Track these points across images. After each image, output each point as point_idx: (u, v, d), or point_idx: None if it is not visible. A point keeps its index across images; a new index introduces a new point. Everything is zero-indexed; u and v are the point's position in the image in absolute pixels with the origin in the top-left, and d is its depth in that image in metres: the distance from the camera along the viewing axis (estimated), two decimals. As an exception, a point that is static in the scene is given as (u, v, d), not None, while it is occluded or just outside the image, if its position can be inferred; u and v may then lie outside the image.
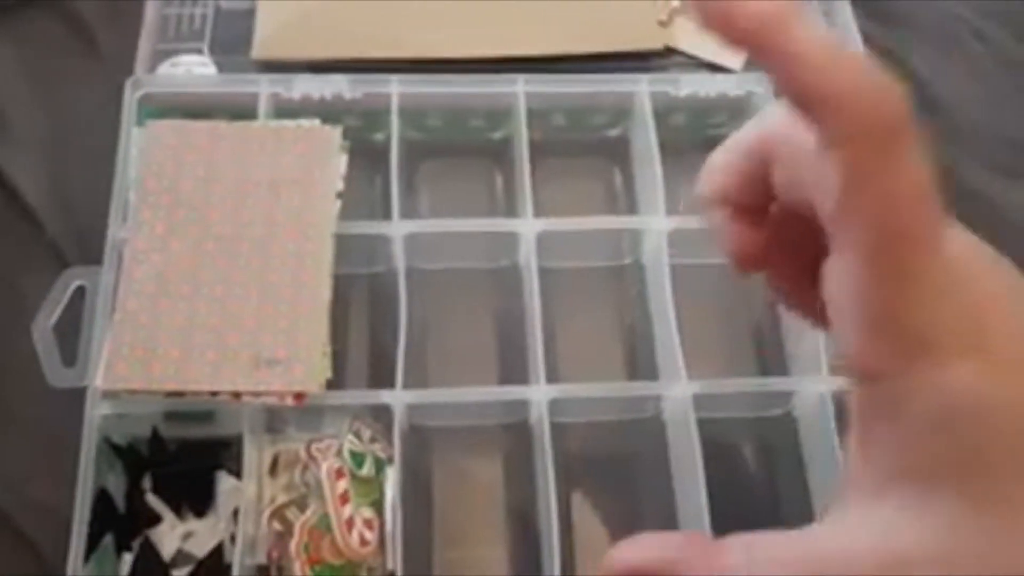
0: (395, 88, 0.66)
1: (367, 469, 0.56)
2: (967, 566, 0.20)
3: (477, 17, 0.73)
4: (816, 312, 0.25)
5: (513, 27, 0.73)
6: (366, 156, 0.67)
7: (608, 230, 0.67)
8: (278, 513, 0.56)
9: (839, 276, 0.21)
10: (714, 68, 0.74)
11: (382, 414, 0.58)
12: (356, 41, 0.72)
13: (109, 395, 0.56)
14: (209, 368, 0.56)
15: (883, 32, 0.76)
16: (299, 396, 0.56)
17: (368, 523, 0.55)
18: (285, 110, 0.66)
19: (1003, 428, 0.20)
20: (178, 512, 0.57)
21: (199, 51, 0.72)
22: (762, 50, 0.20)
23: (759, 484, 0.62)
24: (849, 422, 0.23)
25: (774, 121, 0.25)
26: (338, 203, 0.61)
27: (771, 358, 0.66)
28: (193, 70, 0.70)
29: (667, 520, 0.60)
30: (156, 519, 0.57)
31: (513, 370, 0.63)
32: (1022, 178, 0.72)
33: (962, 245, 0.22)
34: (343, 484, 0.55)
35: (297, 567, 0.54)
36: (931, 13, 0.76)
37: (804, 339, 0.62)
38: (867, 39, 0.74)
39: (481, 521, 0.60)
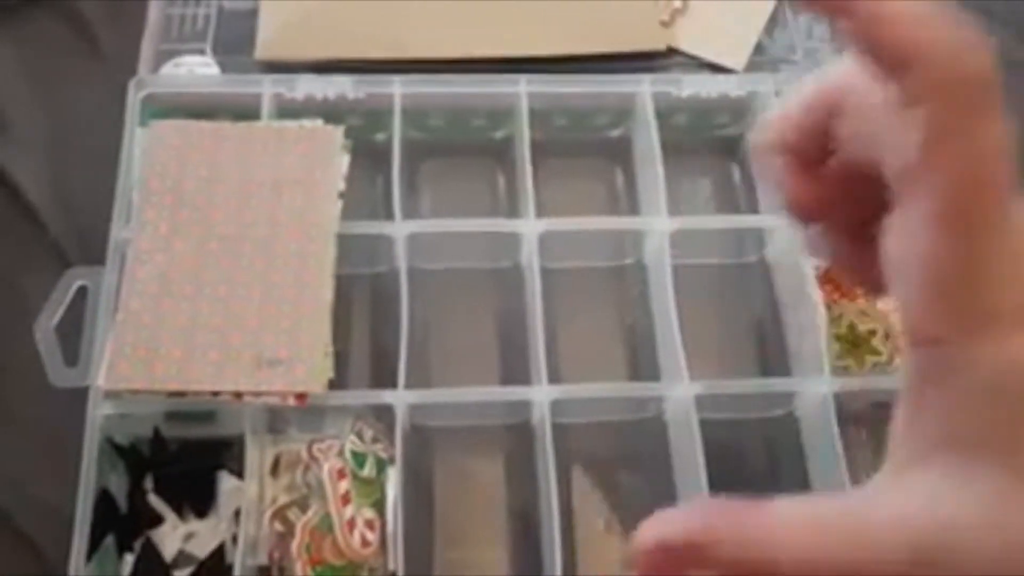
0: (397, 88, 0.66)
1: (369, 470, 0.56)
2: (1013, 534, 0.20)
3: (479, 17, 0.73)
4: (868, 273, 0.24)
5: (515, 28, 0.73)
6: (368, 156, 0.67)
7: (610, 230, 0.67)
8: (280, 514, 0.56)
9: (905, 234, 0.21)
10: (716, 68, 0.74)
11: (384, 414, 0.58)
12: (358, 41, 0.72)
13: (111, 395, 0.56)
14: (211, 368, 0.56)
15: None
16: (301, 396, 0.56)
17: (369, 524, 0.55)
18: (288, 110, 0.66)
19: None
20: (180, 512, 0.57)
21: (202, 51, 0.72)
22: (843, 6, 0.20)
23: (761, 485, 0.62)
24: (906, 384, 0.22)
25: (841, 73, 0.24)
26: (340, 203, 0.61)
27: (773, 359, 0.66)
28: (196, 70, 0.70)
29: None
30: (158, 519, 0.57)
31: (515, 370, 0.63)
32: (1023, 179, 0.72)
33: None
34: (345, 485, 0.55)
35: (298, 567, 0.54)
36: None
37: (806, 340, 0.62)
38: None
39: (482, 521, 0.60)
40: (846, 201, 0.26)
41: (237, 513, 0.56)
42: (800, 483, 0.62)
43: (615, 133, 0.72)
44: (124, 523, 0.57)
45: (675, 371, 0.59)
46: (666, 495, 0.61)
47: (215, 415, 0.58)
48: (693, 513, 0.23)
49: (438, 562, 0.59)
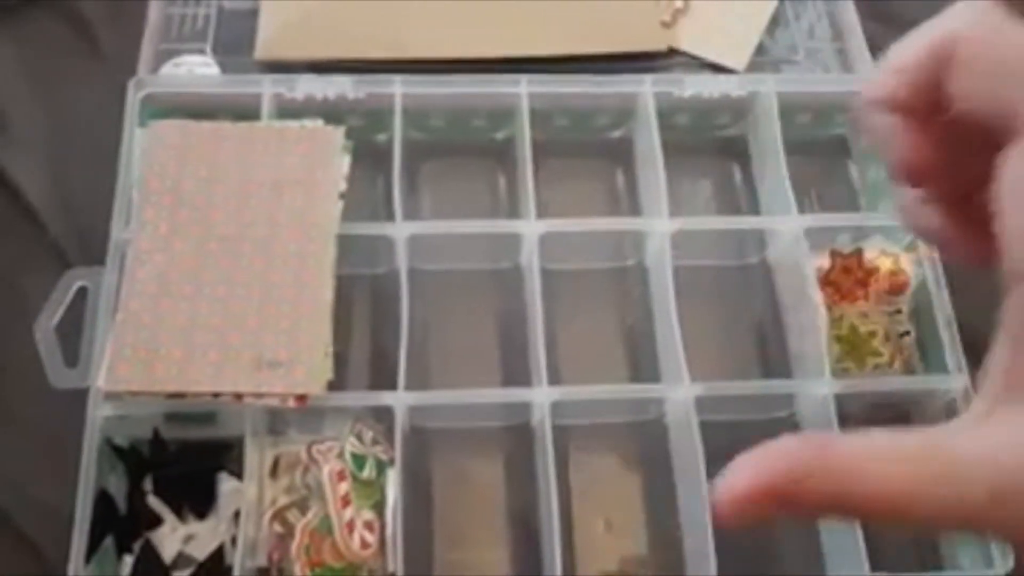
0: (398, 88, 0.66)
1: (368, 471, 0.56)
2: None
3: (480, 18, 0.73)
4: (962, 249, 0.24)
5: (516, 28, 0.72)
6: (369, 156, 0.67)
7: (611, 231, 0.67)
8: (279, 515, 0.56)
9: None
10: (717, 69, 0.73)
11: (383, 416, 0.58)
12: (359, 41, 0.72)
13: (111, 396, 0.56)
14: (211, 369, 0.55)
15: (885, 32, 0.76)
16: (301, 398, 0.56)
17: (369, 525, 0.55)
18: (288, 110, 0.66)
19: None
20: (179, 514, 0.57)
21: (202, 51, 0.71)
22: None
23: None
24: (1006, 321, 0.22)
25: (950, 23, 0.23)
26: (341, 204, 0.61)
27: (774, 360, 0.66)
28: (196, 70, 0.70)
29: (668, 523, 0.60)
30: (157, 521, 0.57)
31: (515, 372, 0.63)
32: None
33: None
34: (344, 486, 0.55)
35: (298, 569, 0.54)
36: (932, 13, 0.76)
37: (807, 341, 0.62)
38: (870, 38, 0.73)
39: (482, 523, 0.60)
40: (953, 166, 0.25)
41: (236, 514, 0.56)
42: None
43: (616, 133, 0.72)
44: (123, 524, 0.56)
45: (675, 372, 0.59)
46: (666, 497, 0.61)
47: (215, 416, 0.58)
48: (776, 453, 0.22)
49: (438, 564, 0.59)
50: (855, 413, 0.60)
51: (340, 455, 0.56)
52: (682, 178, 0.68)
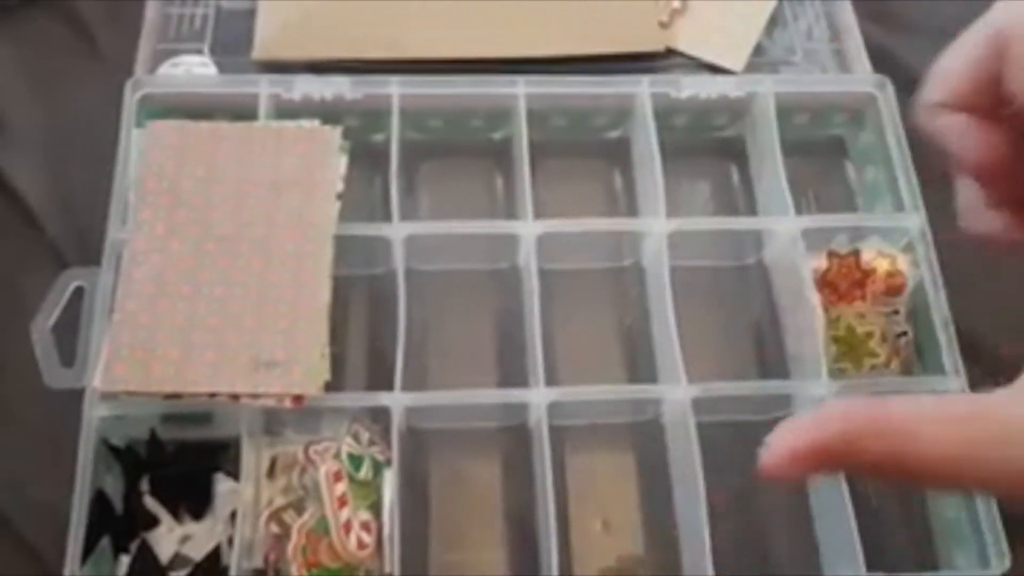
0: (395, 89, 0.66)
1: (365, 472, 0.56)
2: None
3: (478, 18, 0.73)
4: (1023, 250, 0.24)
5: (514, 28, 0.72)
6: (366, 157, 0.67)
7: (608, 232, 0.67)
8: (276, 516, 0.56)
9: None
10: (715, 69, 0.73)
11: (380, 416, 0.58)
12: (356, 42, 0.72)
13: (107, 396, 0.56)
14: (208, 369, 0.55)
15: (883, 32, 0.76)
16: (298, 398, 0.56)
17: (366, 526, 0.55)
18: (286, 111, 0.65)
19: None
20: (176, 514, 0.57)
21: (200, 51, 0.71)
22: None
23: (758, 488, 0.62)
24: None
25: (1003, 18, 0.23)
26: (338, 204, 0.61)
27: (771, 361, 0.66)
28: (193, 70, 0.70)
29: (667, 524, 0.60)
30: (154, 521, 0.57)
31: (512, 372, 0.63)
32: None
33: None
34: (341, 487, 0.55)
35: (294, 570, 0.54)
36: (931, 13, 0.76)
37: (804, 342, 0.62)
38: (867, 39, 0.73)
39: (479, 524, 0.60)
40: (1018, 163, 0.24)
41: (233, 515, 0.56)
42: (799, 484, 0.62)
43: (614, 134, 0.72)
44: (120, 525, 0.56)
45: (673, 373, 0.59)
46: (663, 497, 0.61)
47: (211, 417, 0.58)
48: (829, 414, 0.22)
49: (434, 564, 0.59)
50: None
51: (337, 456, 0.56)
52: (680, 179, 0.68)
